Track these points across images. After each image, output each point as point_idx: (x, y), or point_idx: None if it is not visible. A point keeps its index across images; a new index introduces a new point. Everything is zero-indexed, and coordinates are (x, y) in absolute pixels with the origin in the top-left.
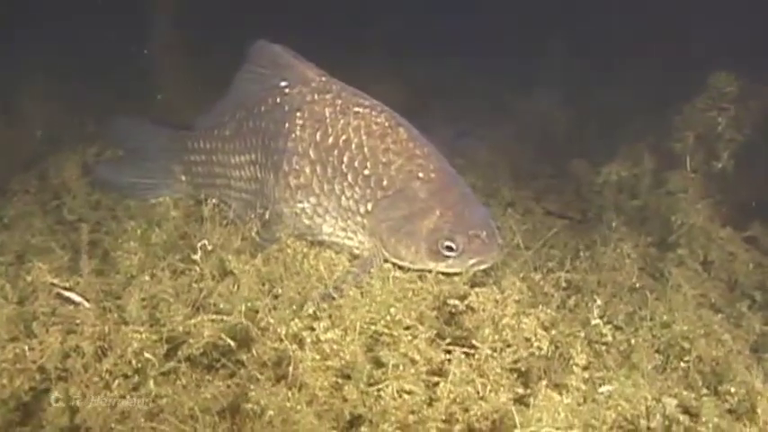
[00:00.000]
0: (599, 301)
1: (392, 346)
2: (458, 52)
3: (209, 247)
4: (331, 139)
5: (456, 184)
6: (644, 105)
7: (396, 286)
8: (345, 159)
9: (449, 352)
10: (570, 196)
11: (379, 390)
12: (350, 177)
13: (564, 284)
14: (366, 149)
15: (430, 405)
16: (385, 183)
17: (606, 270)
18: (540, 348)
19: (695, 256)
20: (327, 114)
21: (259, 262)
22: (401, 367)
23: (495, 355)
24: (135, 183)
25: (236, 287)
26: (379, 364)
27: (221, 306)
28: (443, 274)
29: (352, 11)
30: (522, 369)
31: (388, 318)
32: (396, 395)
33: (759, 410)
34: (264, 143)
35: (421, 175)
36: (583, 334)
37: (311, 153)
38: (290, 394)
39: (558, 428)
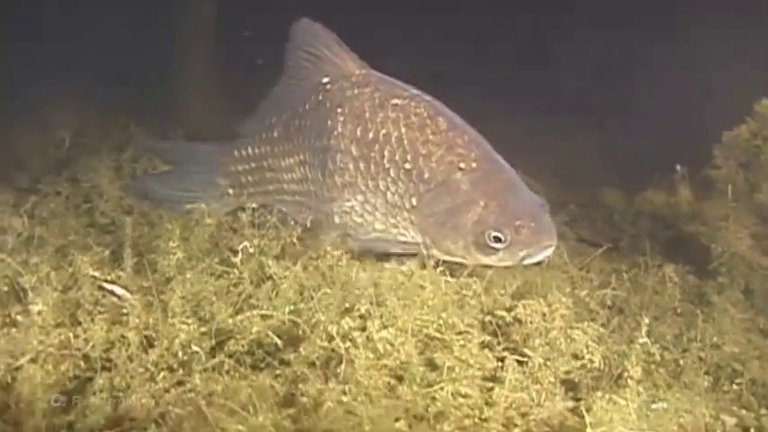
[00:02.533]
0: (646, 320)
1: (445, 350)
2: (479, 80)
3: (251, 250)
4: (371, 134)
5: (501, 172)
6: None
7: (447, 290)
8: (386, 154)
9: (501, 359)
10: (602, 225)
11: (434, 391)
12: (392, 172)
13: (608, 303)
14: (406, 142)
15: (488, 407)
16: (427, 176)
17: (648, 292)
18: (591, 361)
19: (737, 284)
20: (367, 109)
21: (299, 268)
22: (456, 370)
23: (547, 363)
24: (178, 195)
25: (274, 292)
26: (433, 366)
27: (263, 306)
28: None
29: None
30: (576, 380)
31: (441, 321)
32: (451, 397)
33: None
34: (310, 142)
35: (462, 165)
36: (631, 351)
37: (353, 150)
38: (345, 388)
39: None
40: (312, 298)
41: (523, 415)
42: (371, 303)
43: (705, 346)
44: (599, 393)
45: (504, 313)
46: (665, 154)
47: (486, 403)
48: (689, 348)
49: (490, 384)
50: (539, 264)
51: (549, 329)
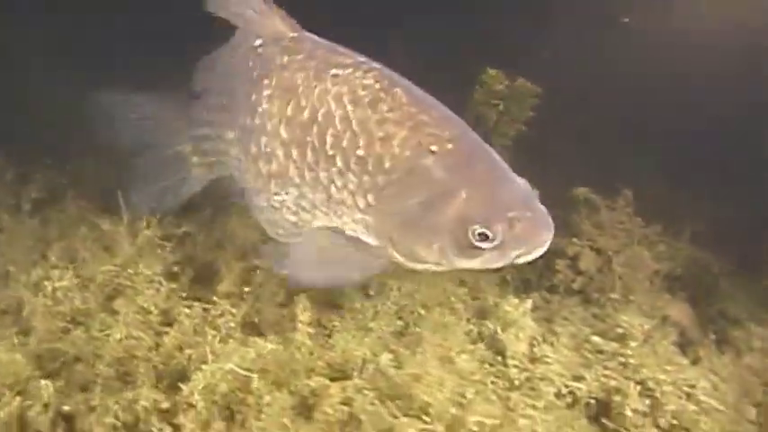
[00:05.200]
0: None
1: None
2: None
3: None
4: (307, 113)
5: (483, 153)
6: None
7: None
8: (329, 139)
9: (189, 307)
10: None
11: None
12: (339, 161)
13: None
14: (354, 123)
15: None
16: (387, 164)
17: None
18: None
19: None
20: (300, 82)
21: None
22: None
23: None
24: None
25: None
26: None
27: None
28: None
29: None
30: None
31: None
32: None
33: None
34: (241, 119)
35: (434, 147)
36: None
37: (282, 132)
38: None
39: None
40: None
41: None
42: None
43: None
44: None
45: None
46: None
47: (157, 345)
48: None
49: (166, 329)
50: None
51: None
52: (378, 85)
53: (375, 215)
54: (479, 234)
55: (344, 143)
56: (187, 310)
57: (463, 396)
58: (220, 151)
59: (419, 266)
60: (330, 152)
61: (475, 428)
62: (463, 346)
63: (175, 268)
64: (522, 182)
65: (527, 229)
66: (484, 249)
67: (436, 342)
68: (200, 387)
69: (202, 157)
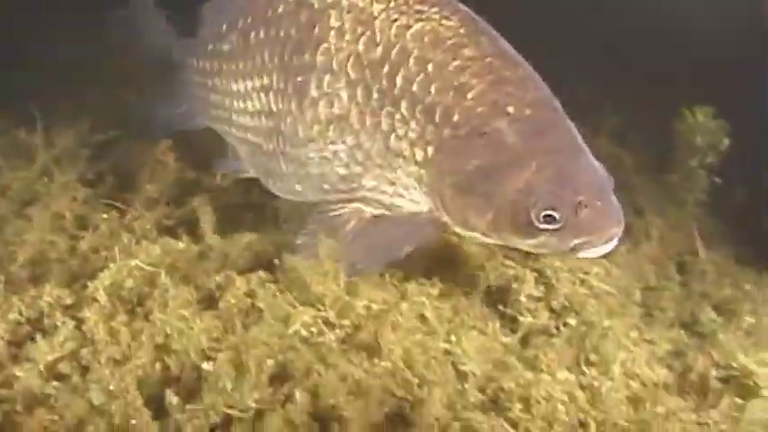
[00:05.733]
0: None
1: None
2: None
3: None
4: (380, 51)
5: (562, 125)
6: None
7: None
8: (399, 81)
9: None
10: None
11: None
12: (404, 107)
13: None
14: (431, 66)
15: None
16: (456, 117)
17: None
18: None
19: None
20: (376, 13)
21: None
22: None
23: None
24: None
25: None
26: None
27: None
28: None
29: None
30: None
31: None
32: None
33: None
34: (283, 60)
35: (511, 109)
36: None
37: (350, 71)
38: None
39: None
40: None
41: None
42: None
43: None
44: None
45: None
46: None
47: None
48: None
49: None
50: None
51: None
52: (463, 29)
53: (432, 170)
54: (543, 213)
55: (415, 87)
56: (104, 216)
57: (356, 286)
58: (211, 104)
59: (467, 234)
60: (397, 95)
61: (362, 312)
62: None
63: (91, 176)
64: (599, 166)
65: (594, 219)
66: (542, 231)
67: None
68: (106, 283)
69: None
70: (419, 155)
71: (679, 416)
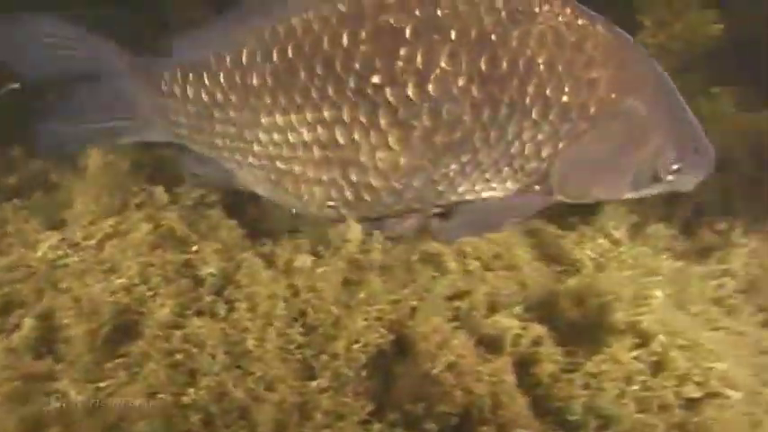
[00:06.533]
0: None
1: None
2: None
3: None
4: (505, 64)
5: (669, 87)
6: None
7: None
8: (531, 89)
9: None
10: None
11: None
12: (536, 113)
13: None
14: (561, 67)
15: None
16: (593, 109)
17: None
18: None
19: None
20: (491, 26)
21: None
22: None
23: None
24: (90, 128)
25: None
26: None
27: None
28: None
29: None
30: None
31: None
32: None
33: None
34: (361, 93)
35: (636, 87)
36: None
37: (475, 91)
38: None
39: None
40: None
41: None
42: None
43: None
44: None
45: None
46: None
47: None
48: None
49: None
50: None
51: None
52: (580, 21)
53: (558, 162)
54: (672, 167)
55: (548, 91)
56: None
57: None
58: (217, 134)
59: (581, 201)
60: (528, 104)
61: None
62: None
63: None
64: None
65: (701, 158)
66: (667, 179)
67: None
68: None
69: (169, 124)
70: (546, 152)
71: None
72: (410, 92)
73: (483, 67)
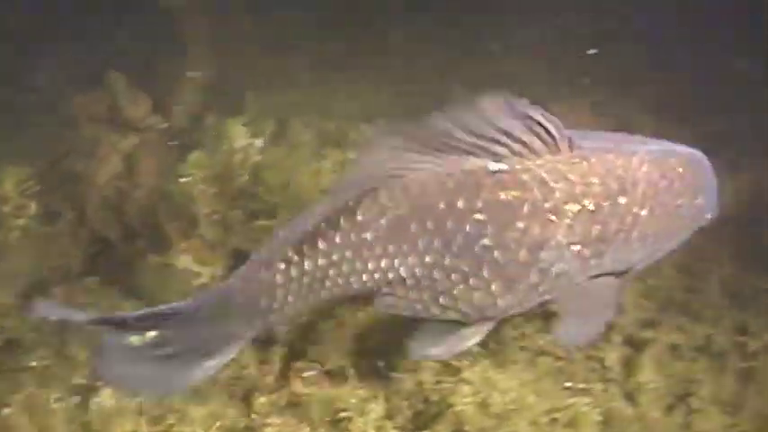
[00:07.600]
0: None
1: None
2: None
3: None
4: (614, 226)
5: (701, 163)
6: None
7: None
8: (636, 234)
9: None
10: None
11: None
12: (635, 238)
13: None
14: (658, 209)
15: None
16: (672, 231)
17: None
18: None
19: None
20: (598, 192)
21: None
22: None
23: None
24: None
25: None
26: None
27: None
28: None
29: None
30: None
31: None
32: None
33: None
34: (470, 251)
35: (688, 188)
36: None
37: (584, 249)
38: None
39: None
40: None
41: None
42: None
43: None
44: None
45: None
46: None
47: None
48: None
49: None
50: None
51: None
52: (671, 164)
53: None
54: (707, 217)
55: (649, 232)
56: None
57: None
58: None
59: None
60: (636, 246)
61: None
62: None
63: None
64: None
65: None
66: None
67: None
68: None
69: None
70: (635, 258)
71: None
72: (518, 256)
73: (594, 231)
